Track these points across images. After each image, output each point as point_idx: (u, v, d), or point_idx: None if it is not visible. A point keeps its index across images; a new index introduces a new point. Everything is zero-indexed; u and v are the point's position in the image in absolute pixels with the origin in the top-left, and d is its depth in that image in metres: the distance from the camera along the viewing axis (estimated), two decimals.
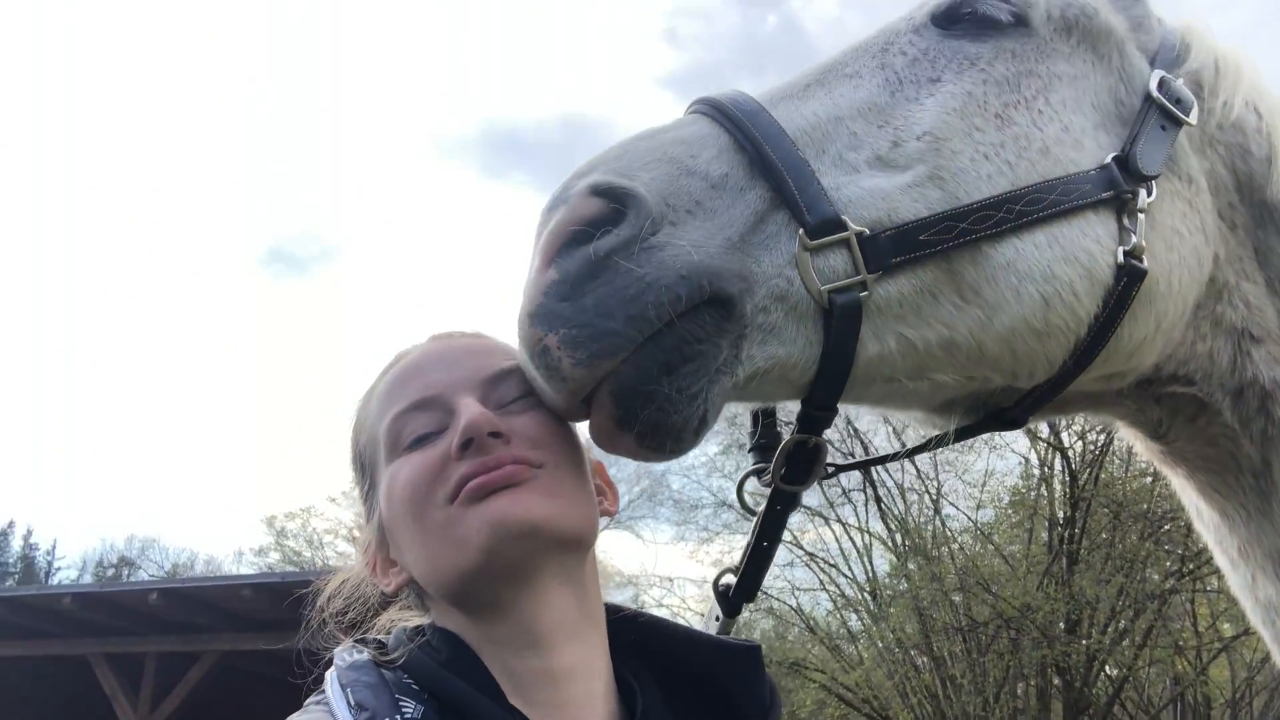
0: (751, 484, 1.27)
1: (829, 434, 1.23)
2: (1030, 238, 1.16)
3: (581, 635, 1.10)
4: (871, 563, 22.00)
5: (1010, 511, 21.65)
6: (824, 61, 1.31)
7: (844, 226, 1.08)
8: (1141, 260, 1.19)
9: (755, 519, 1.25)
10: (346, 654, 1.11)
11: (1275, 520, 1.32)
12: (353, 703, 1.00)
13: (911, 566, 20.29)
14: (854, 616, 22.47)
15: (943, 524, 21.47)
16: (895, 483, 21.29)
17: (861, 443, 19.70)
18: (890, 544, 21.24)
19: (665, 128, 1.17)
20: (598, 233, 1.02)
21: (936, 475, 21.67)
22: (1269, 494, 1.32)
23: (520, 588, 1.06)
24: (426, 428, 1.11)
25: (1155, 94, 1.29)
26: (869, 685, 19.59)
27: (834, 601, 22.62)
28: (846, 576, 22.22)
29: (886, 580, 21.80)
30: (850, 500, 21.63)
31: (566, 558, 1.08)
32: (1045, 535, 20.04)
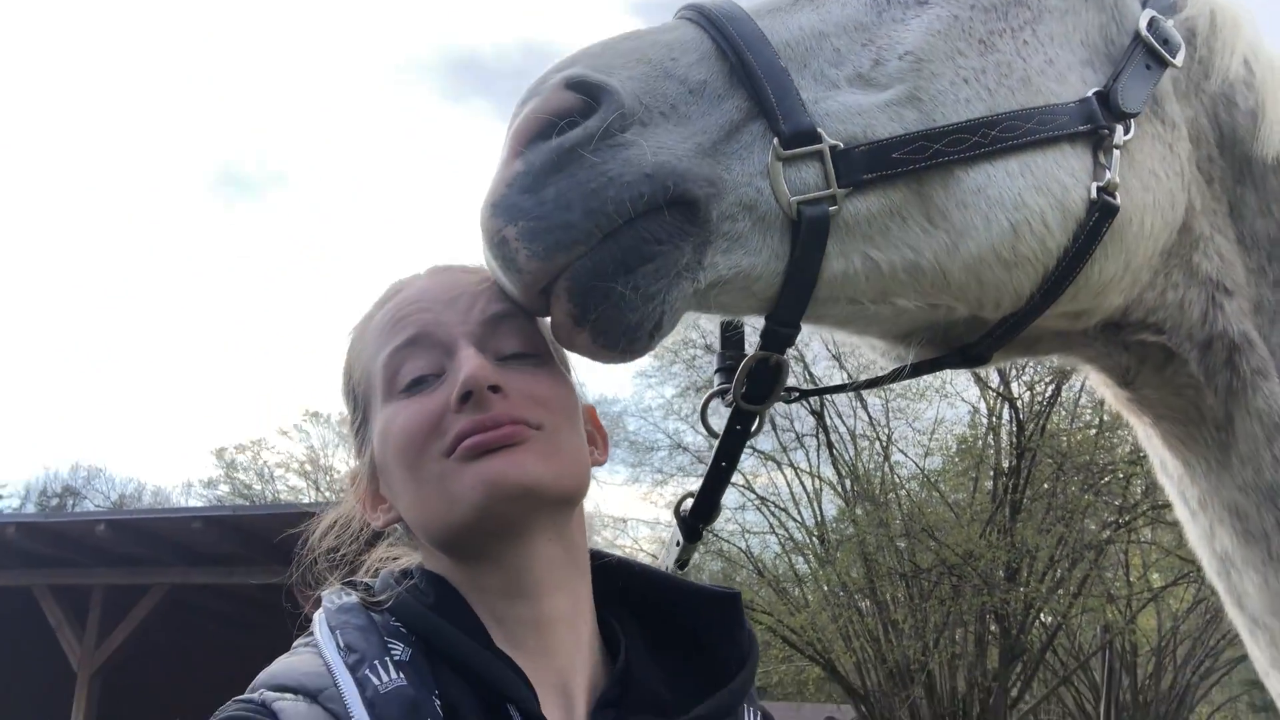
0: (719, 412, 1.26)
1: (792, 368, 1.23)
2: (1003, 164, 1.15)
3: (569, 584, 1.10)
4: (821, 508, 22.47)
5: (957, 460, 22.18)
6: None
7: (819, 138, 1.07)
8: (1115, 196, 1.18)
9: (715, 440, 1.24)
10: (335, 596, 1.09)
11: (1234, 473, 1.33)
12: (342, 645, 0.99)
13: (859, 512, 20.75)
14: (801, 560, 22.98)
15: (891, 470, 21.93)
16: (848, 429, 21.64)
17: (803, 362, 19.92)
18: (840, 489, 21.67)
19: (650, 30, 1.15)
20: (567, 125, 1.00)
21: (888, 422, 22.08)
22: (1229, 446, 1.33)
23: (510, 542, 1.06)
24: (424, 369, 1.09)
25: (1144, 32, 1.28)
26: (814, 628, 20.11)
27: (782, 545, 23.10)
28: (796, 521, 22.67)
29: (834, 525, 22.27)
30: (803, 445, 21.97)
31: (558, 515, 1.08)
32: (990, 484, 20.57)
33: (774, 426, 21.32)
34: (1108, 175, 1.18)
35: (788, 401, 1.33)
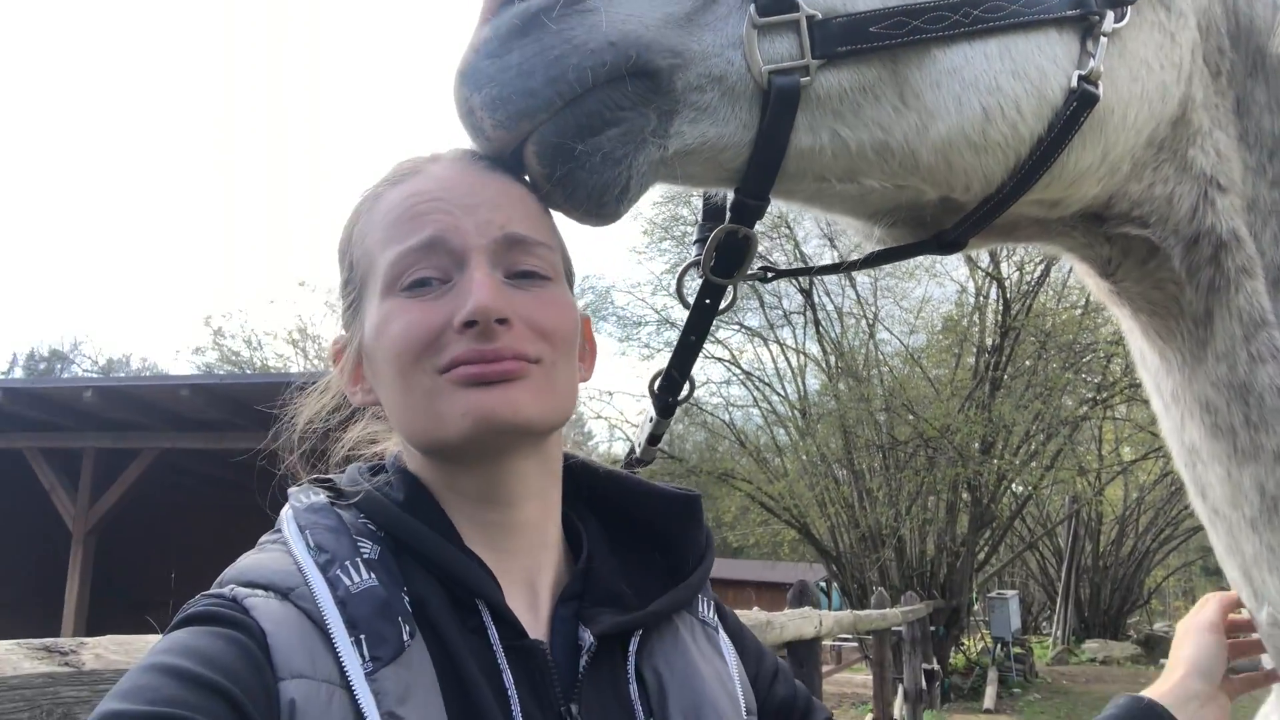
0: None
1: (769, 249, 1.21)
2: (982, 46, 1.11)
3: (542, 492, 1.12)
4: (804, 383, 22.77)
5: (941, 336, 22.38)
6: None
7: (796, 6, 1.04)
8: (1097, 86, 1.14)
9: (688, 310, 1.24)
10: (303, 495, 1.07)
11: (1208, 368, 1.33)
12: (312, 544, 0.98)
13: (842, 387, 21.04)
14: (782, 432, 23.45)
15: (876, 348, 22.14)
16: (835, 307, 21.72)
17: (795, 242, 19.90)
18: (824, 365, 21.91)
19: None
20: None
21: (875, 300, 22.16)
22: (1205, 342, 1.33)
23: (490, 460, 1.06)
24: (429, 272, 1.04)
25: None
26: (791, 495, 20.70)
27: (765, 418, 23.51)
28: (779, 395, 23.01)
29: (816, 399, 22.63)
30: (790, 322, 22.08)
31: (541, 440, 1.08)
32: (972, 361, 20.82)
33: (762, 304, 21.40)
34: (1091, 63, 1.14)
35: (763, 281, 1.33)
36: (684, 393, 1.29)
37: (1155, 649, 26.50)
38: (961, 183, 1.17)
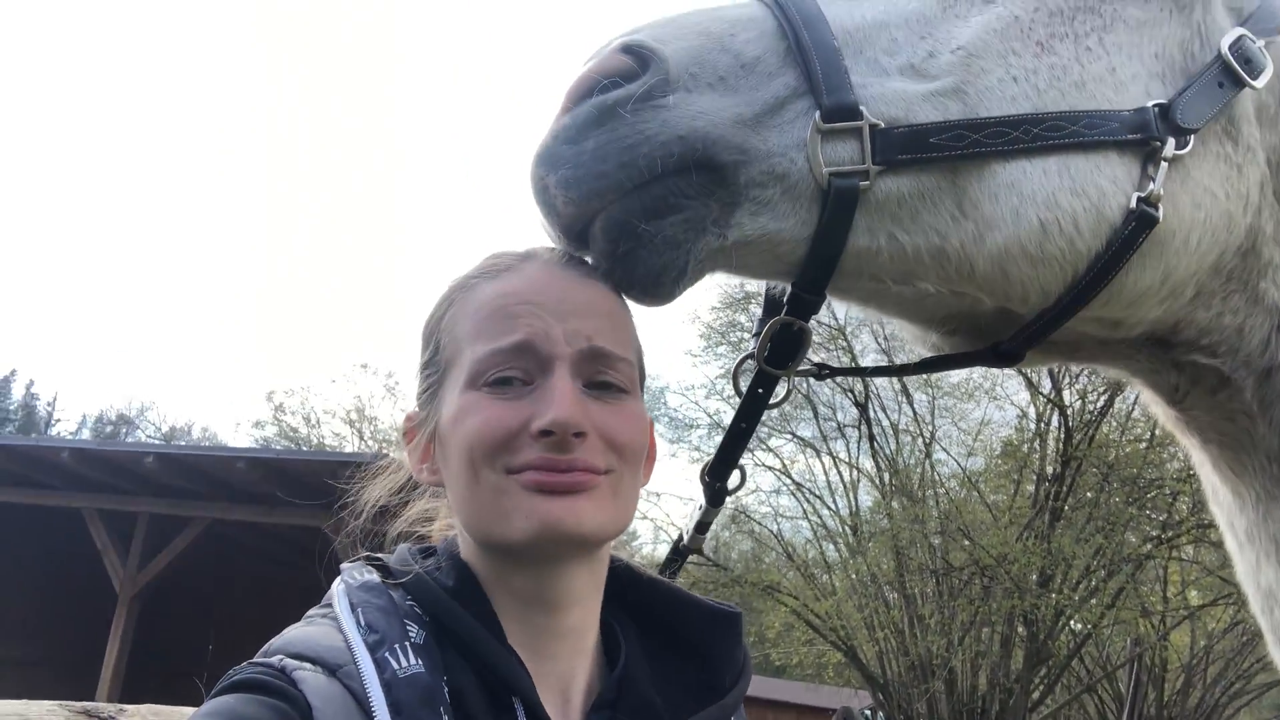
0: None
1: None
2: (1041, 163, 1.15)
3: (588, 600, 1.13)
4: (856, 498, 22.33)
5: (1000, 461, 21.86)
6: None
7: (859, 115, 1.10)
8: (1156, 208, 1.17)
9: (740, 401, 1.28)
10: (356, 572, 1.09)
11: None
12: (363, 623, 0.99)
13: (895, 505, 20.58)
14: (832, 548, 22.90)
15: (932, 468, 21.69)
16: (890, 423, 21.44)
17: (848, 344, 19.78)
18: (877, 482, 21.50)
19: (723, 7, 1.20)
20: (613, 85, 1.07)
21: (932, 419, 21.82)
22: None
23: (545, 565, 1.08)
24: (514, 372, 1.08)
25: (1224, 50, 1.24)
26: (838, 615, 20.07)
27: (814, 531, 23.02)
28: (830, 509, 22.57)
29: (868, 516, 22.14)
30: (844, 435, 21.82)
31: (597, 549, 1.12)
32: (1032, 489, 20.26)
33: (816, 414, 21.23)
34: (1151, 186, 1.17)
35: (818, 377, 1.37)
36: (734, 481, 1.32)
37: None
38: (1019, 294, 1.19)
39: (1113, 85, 1.21)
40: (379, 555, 1.15)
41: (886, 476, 21.22)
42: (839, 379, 17.91)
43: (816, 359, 1.35)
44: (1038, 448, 20.60)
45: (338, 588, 1.07)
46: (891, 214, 1.12)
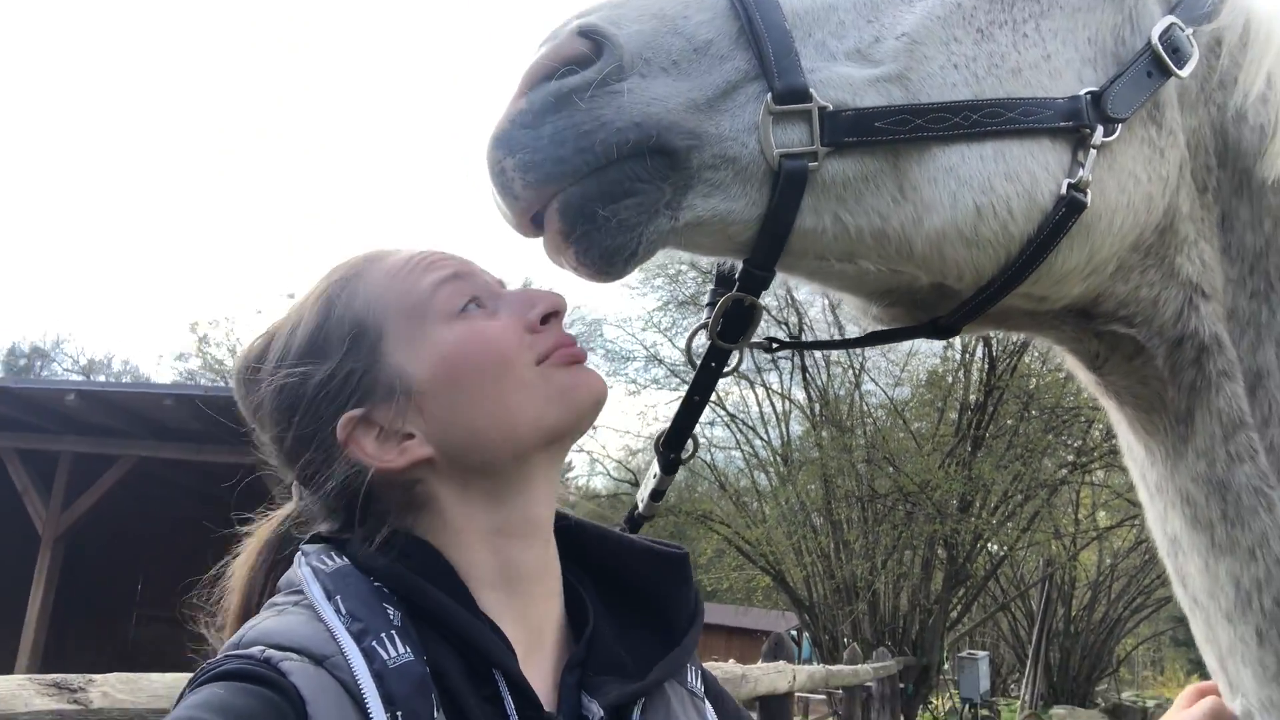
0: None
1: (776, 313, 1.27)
2: (978, 148, 1.18)
3: (550, 528, 1.16)
4: (788, 428, 22.83)
5: (925, 391, 22.52)
6: None
7: (809, 98, 1.12)
8: (1085, 194, 1.21)
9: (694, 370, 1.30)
10: (324, 557, 1.05)
11: (1189, 464, 1.38)
12: (344, 611, 0.96)
13: (825, 435, 21.10)
14: (763, 476, 23.46)
15: (861, 398, 22.25)
16: (822, 355, 21.84)
17: (798, 313, 20.05)
18: (808, 413, 21.99)
19: None
20: (569, 71, 1.08)
21: (862, 351, 22.27)
22: (1187, 439, 1.38)
23: (554, 467, 1.14)
24: (471, 297, 1.14)
25: (1154, 40, 1.28)
26: (768, 541, 20.66)
27: (746, 461, 23.53)
28: (762, 439, 23.05)
29: (798, 445, 22.68)
30: (777, 367, 22.19)
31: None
32: (955, 417, 20.95)
33: (750, 348, 21.40)
34: (1081, 173, 1.21)
35: (767, 350, 1.40)
36: (688, 451, 1.35)
37: (1122, 718, 26.40)
38: (954, 273, 1.23)
39: (1047, 72, 1.24)
40: (340, 537, 1.11)
41: (817, 407, 21.71)
42: (780, 314, 18.16)
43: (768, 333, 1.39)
44: (962, 378, 21.26)
45: (305, 574, 1.03)
46: (837, 195, 1.15)
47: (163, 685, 1.06)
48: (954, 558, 19.91)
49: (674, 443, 1.34)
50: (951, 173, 1.17)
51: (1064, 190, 1.20)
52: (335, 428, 1.09)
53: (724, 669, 5.12)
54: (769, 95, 1.11)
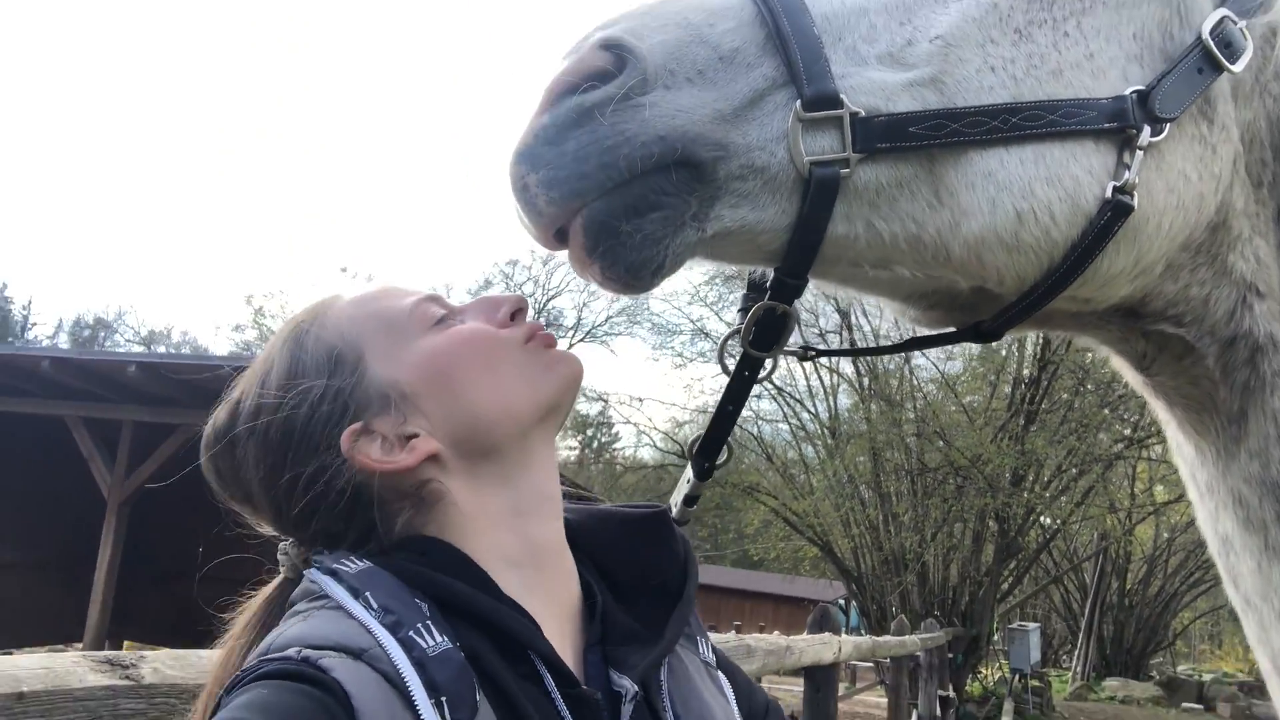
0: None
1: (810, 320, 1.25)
2: (1018, 151, 1.15)
3: (560, 503, 1.19)
4: (836, 402, 22.67)
5: (978, 364, 22.18)
6: None
7: (840, 104, 1.09)
8: (1132, 196, 1.17)
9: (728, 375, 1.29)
10: (345, 561, 1.03)
11: (1241, 465, 1.35)
12: (375, 606, 0.95)
13: (874, 409, 20.92)
14: (811, 449, 23.36)
15: (911, 372, 21.98)
16: (872, 329, 21.61)
17: (841, 314, 19.81)
18: (857, 386, 21.80)
19: None
20: (592, 85, 1.07)
21: (912, 326, 21.95)
22: (1239, 439, 1.35)
23: (552, 442, 1.18)
24: (444, 310, 1.17)
25: (1205, 36, 1.22)
26: (815, 513, 20.62)
27: (794, 434, 23.44)
28: (810, 412, 22.93)
29: (847, 418, 22.52)
30: (825, 341, 22.00)
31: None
32: (1009, 391, 20.61)
33: (799, 322, 21.29)
34: (1127, 175, 1.16)
35: (803, 359, 1.39)
36: (722, 458, 1.33)
37: (1177, 691, 26.03)
38: (994, 278, 1.20)
39: (1090, 72, 1.19)
40: (347, 555, 1.08)
41: (866, 381, 21.51)
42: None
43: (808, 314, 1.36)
44: (1015, 351, 20.88)
45: (323, 579, 1.01)
46: (870, 202, 1.12)
47: (211, 661, 1.09)
48: (1005, 531, 19.67)
49: (708, 450, 1.33)
50: (990, 178, 1.14)
51: (1109, 194, 1.16)
52: (334, 448, 1.08)
53: (769, 640, 5.14)
54: (798, 102, 1.08)
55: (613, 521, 1.25)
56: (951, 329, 1.34)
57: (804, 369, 22.53)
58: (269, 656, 0.90)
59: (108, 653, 1.24)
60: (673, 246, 1.07)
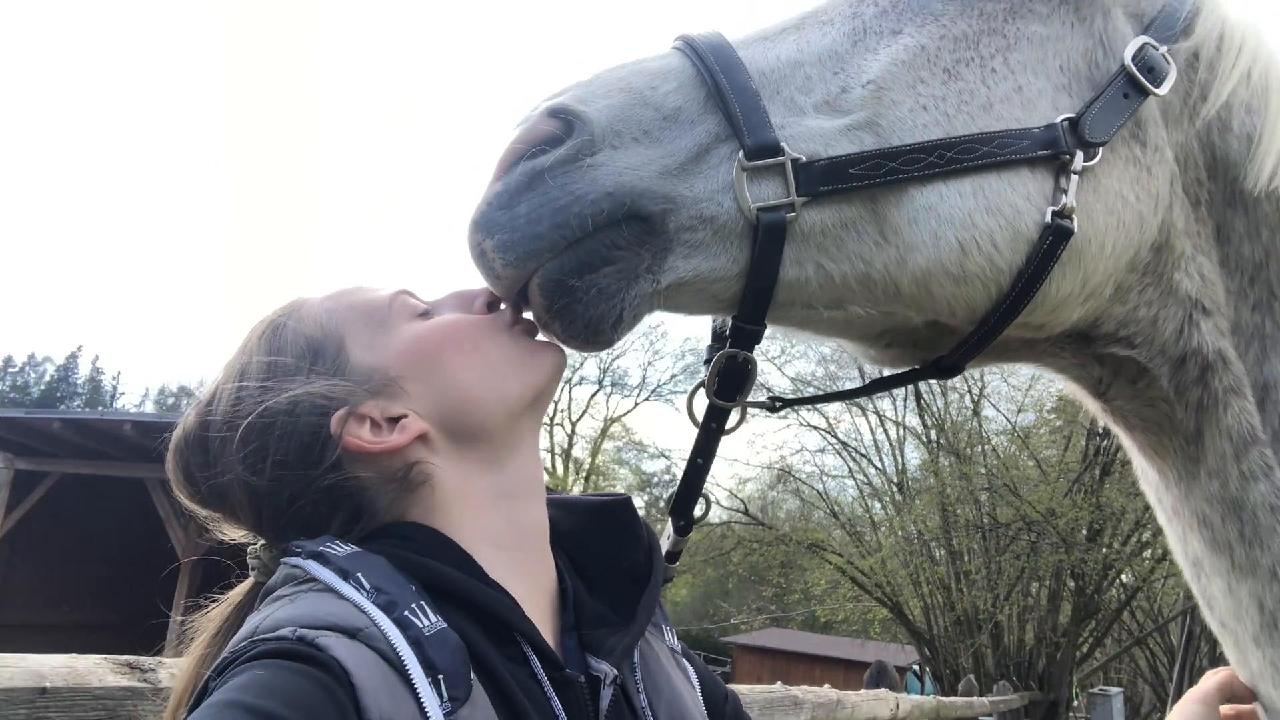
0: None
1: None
2: (956, 185, 1.18)
3: (545, 495, 1.21)
4: (902, 455, 22.26)
5: (1051, 417, 21.57)
6: (812, 8, 1.33)
7: (781, 151, 1.14)
8: (1071, 220, 1.20)
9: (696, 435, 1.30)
10: (331, 545, 1.01)
11: (1202, 484, 1.35)
12: (368, 586, 0.94)
13: (943, 463, 20.47)
14: (878, 505, 22.90)
15: (980, 425, 21.50)
16: (938, 381, 21.20)
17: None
18: (924, 440, 21.39)
19: (644, 59, 1.24)
20: (541, 151, 1.12)
21: (981, 375, 21.56)
22: (1198, 459, 1.35)
23: (538, 427, 1.20)
24: (428, 309, 1.21)
25: (1127, 62, 1.27)
26: (884, 571, 20.12)
27: (860, 490, 23.03)
28: (876, 467, 22.54)
29: (915, 474, 22.06)
30: (890, 394, 21.69)
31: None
32: (1083, 444, 19.99)
33: (862, 373, 21.14)
34: (1064, 200, 1.20)
35: (771, 410, 1.41)
36: (699, 512, 1.35)
37: None
38: (946, 310, 1.23)
39: (1020, 104, 1.23)
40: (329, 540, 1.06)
41: (933, 434, 21.10)
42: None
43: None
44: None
45: (306, 564, 0.98)
46: (818, 244, 1.16)
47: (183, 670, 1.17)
48: (1083, 589, 18.92)
49: (681, 509, 1.33)
50: (931, 211, 1.17)
51: (1048, 218, 1.20)
52: (319, 435, 1.08)
53: (818, 693, 5.05)
54: (741, 152, 1.13)
55: (579, 510, 1.28)
56: (913, 367, 1.37)
57: (869, 423, 22.25)
58: (260, 637, 0.87)
59: (129, 656, 1.34)
60: (628, 299, 1.11)
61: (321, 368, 1.14)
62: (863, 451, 22.67)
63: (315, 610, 0.90)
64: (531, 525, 1.16)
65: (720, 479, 23.44)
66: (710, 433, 1.27)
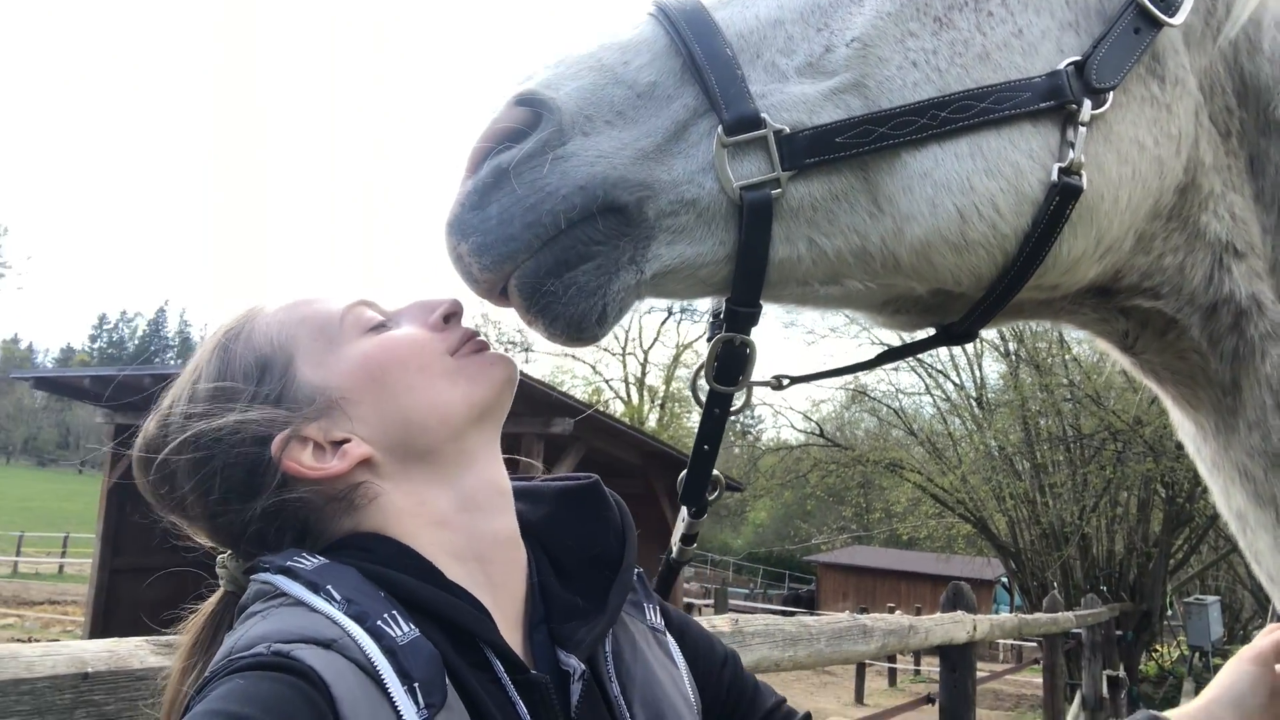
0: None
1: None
2: (952, 147, 1.09)
3: (513, 501, 1.20)
4: (981, 370, 21.82)
5: None
6: None
7: (762, 124, 1.06)
8: (1080, 176, 1.10)
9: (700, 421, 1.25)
10: (298, 559, 1.01)
11: (1241, 437, 1.28)
12: (339, 598, 0.94)
13: (1024, 375, 20.01)
14: (957, 420, 22.57)
15: (1061, 334, 20.88)
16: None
17: None
18: (1002, 352, 20.90)
19: (616, 32, 1.15)
20: (509, 144, 1.06)
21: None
22: (1236, 411, 1.27)
23: (493, 441, 1.18)
24: (381, 316, 1.18)
25: None
26: (965, 489, 19.92)
27: (938, 406, 22.71)
28: (954, 383, 22.16)
29: (995, 388, 21.64)
30: None
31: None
32: None
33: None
34: (1071, 154, 1.10)
35: (776, 388, 1.33)
36: (713, 495, 1.29)
37: None
38: (950, 280, 1.16)
39: (1020, 50, 1.13)
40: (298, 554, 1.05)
41: (1012, 346, 20.58)
42: None
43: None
44: None
45: (276, 579, 0.99)
46: (808, 219, 1.09)
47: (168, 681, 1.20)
48: (1173, 498, 18.47)
49: (691, 496, 1.28)
50: (926, 178, 1.09)
51: (1054, 176, 1.10)
52: (264, 455, 1.08)
53: (888, 620, 5.05)
54: (720, 128, 1.05)
55: (545, 497, 1.26)
56: (923, 336, 1.31)
57: None
58: (236, 656, 0.88)
59: (169, 637, 1.38)
60: (610, 294, 1.06)
61: (268, 387, 1.12)
62: (939, 368, 22.27)
63: (288, 625, 0.92)
64: (495, 536, 1.14)
65: (794, 402, 23.33)
66: (714, 418, 1.21)
